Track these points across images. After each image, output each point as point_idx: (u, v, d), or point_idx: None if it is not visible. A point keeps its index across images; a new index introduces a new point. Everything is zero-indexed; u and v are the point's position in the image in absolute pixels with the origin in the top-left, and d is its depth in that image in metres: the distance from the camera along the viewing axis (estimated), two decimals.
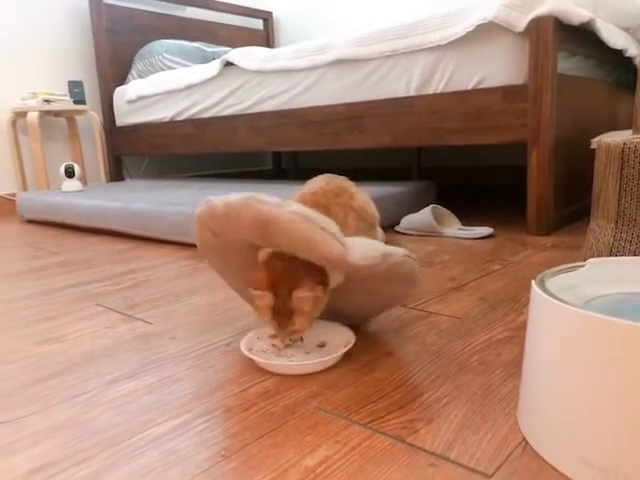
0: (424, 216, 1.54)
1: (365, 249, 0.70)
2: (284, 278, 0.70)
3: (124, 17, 2.81)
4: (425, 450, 0.51)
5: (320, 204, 0.80)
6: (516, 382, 0.64)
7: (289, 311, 0.70)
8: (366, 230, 0.85)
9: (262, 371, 0.70)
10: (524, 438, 0.52)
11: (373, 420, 0.57)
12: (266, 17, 3.38)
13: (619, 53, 1.71)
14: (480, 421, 0.56)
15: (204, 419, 0.59)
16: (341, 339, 0.76)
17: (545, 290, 0.51)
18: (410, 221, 1.58)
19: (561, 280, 0.56)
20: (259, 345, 0.76)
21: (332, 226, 0.66)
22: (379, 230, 0.89)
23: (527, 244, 1.38)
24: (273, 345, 0.76)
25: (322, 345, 0.76)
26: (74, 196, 2.02)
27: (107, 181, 2.80)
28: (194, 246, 1.54)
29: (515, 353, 0.72)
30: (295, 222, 0.63)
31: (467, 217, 1.80)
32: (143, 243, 1.65)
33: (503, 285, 1.04)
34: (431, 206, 1.56)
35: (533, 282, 0.53)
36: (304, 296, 0.69)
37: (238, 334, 0.85)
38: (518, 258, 1.25)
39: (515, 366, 0.68)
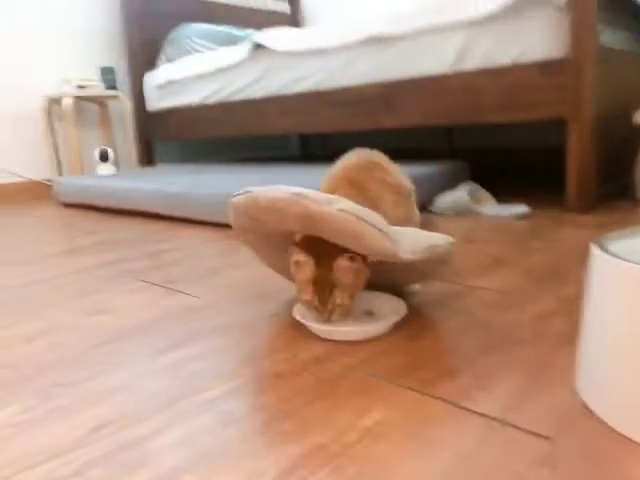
0: (459, 195, 1.52)
1: (413, 242, 0.70)
2: (325, 248, 0.70)
3: (153, 2, 2.82)
4: (481, 414, 0.51)
5: (354, 181, 0.80)
6: (571, 353, 0.63)
7: (330, 284, 0.70)
8: (402, 204, 0.84)
9: (310, 339, 0.71)
10: (585, 404, 0.51)
11: (425, 386, 0.57)
12: (293, 1, 3.35)
13: None
14: (537, 389, 0.55)
15: (256, 384, 0.60)
16: (389, 308, 0.75)
17: (608, 252, 0.49)
18: (445, 200, 1.56)
19: (621, 244, 0.55)
20: (309, 314, 0.75)
21: (380, 222, 0.65)
22: (415, 206, 0.88)
23: (566, 222, 1.35)
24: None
25: (370, 313, 0.76)
26: (109, 180, 2.05)
27: (138, 166, 2.83)
28: (229, 226, 1.55)
29: (567, 325, 0.71)
30: (343, 220, 0.63)
31: (502, 196, 1.77)
32: (178, 224, 1.67)
33: (546, 261, 1.02)
34: (466, 184, 1.54)
35: (592, 245, 0.52)
36: (346, 266, 0.69)
37: (283, 305, 0.85)
38: (559, 235, 1.22)
39: (569, 338, 0.67)
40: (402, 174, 0.86)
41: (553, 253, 1.07)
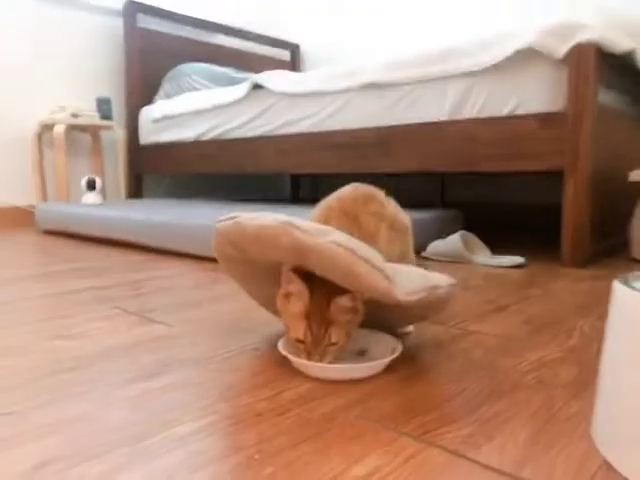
0: (453, 242, 1.49)
1: (411, 282, 0.65)
2: (321, 284, 0.63)
3: (156, 40, 2.86)
4: (492, 468, 0.44)
5: (348, 213, 0.75)
6: (582, 402, 0.57)
7: (325, 321, 0.63)
8: (399, 239, 0.80)
9: (296, 377, 0.64)
10: (605, 460, 0.45)
11: (426, 432, 0.50)
12: (293, 49, 3.44)
13: None
14: (550, 440, 0.49)
15: (232, 421, 0.53)
16: (383, 347, 0.69)
17: (634, 288, 0.45)
18: (438, 247, 1.52)
19: None
20: (296, 350, 0.68)
21: (376, 258, 0.60)
22: (411, 243, 0.84)
23: (563, 275, 1.32)
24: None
25: (362, 353, 0.70)
26: (92, 208, 2.00)
27: (126, 198, 2.78)
28: (215, 260, 1.49)
29: (574, 374, 0.65)
30: (336, 254, 0.58)
31: (495, 248, 1.74)
32: (161, 255, 1.61)
33: (546, 309, 0.98)
34: (460, 232, 1.51)
35: (616, 281, 0.48)
36: (345, 305, 0.63)
37: (266, 340, 0.78)
38: (557, 286, 1.18)
39: (577, 386, 0.61)
40: (399, 209, 0.82)
41: (551, 302, 1.03)
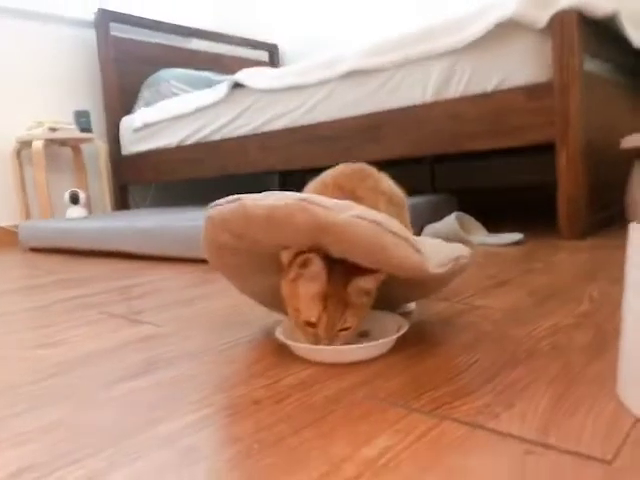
0: (449, 224, 1.45)
1: (437, 254, 0.61)
2: (336, 266, 0.57)
3: (131, 49, 2.82)
4: (514, 436, 0.40)
5: (344, 188, 0.70)
6: (603, 364, 0.53)
7: (342, 304, 0.58)
8: (397, 214, 0.76)
9: (295, 364, 0.59)
10: (638, 418, 0.41)
11: (438, 407, 0.46)
12: (271, 49, 3.40)
13: (639, 57, 1.65)
14: (573, 403, 0.45)
15: (228, 412, 0.48)
16: (387, 326, 0.65)
17: None
18: (435, 229, 1.48)
19: None
20: (295, 336, 0.63)
21: (404, 231, 0.55)
22: (409, 218, 0.80)
23: (562, 247, 1.28)
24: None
25: (364, 334, 0.65)
26: (76, 221, 1.94)
27: (112, 210, 2.73)
28: (203, 261, 1.44)
29: (589, 337, 0.61)
30: (363, 229, 0.52)
31: (492, 228, 1.70)
32: (148, 262, 1.56)
33: (550, 280, 0.94)
34: (455, 213, 1.47)
35: (632, 225, 0.44)
36: (364, 287, 0.58)
37: (261, 332, 0.74)
38: (558, 258, 1.15)
39: (595, 349, 0.57)
40: (393, 184, 0.78)
41: (554, 273, 0.99)
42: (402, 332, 0.61)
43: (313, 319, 0.58)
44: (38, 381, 0.61)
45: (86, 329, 0.83)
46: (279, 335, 0.62)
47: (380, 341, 0.59)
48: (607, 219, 1.56)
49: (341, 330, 0.59)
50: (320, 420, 0.45)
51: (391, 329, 0.64)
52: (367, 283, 0.58)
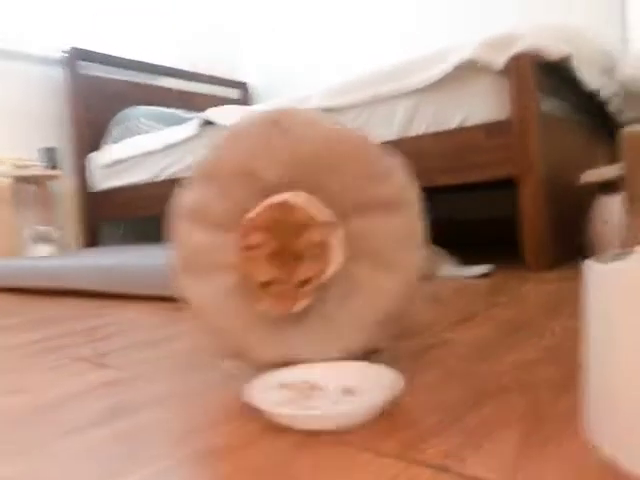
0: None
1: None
2: (287, 221, 0.58)
3: (99, 86, 2.82)
4: (480, 479, 0.40)
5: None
6: (568, 399, 0.53)
7: (292, 256, 0.58)
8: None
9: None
10: (604, 454, 0.41)
11: (406, 449, 0.45)
12: (241, 87, 3.46)
13: (593, 97, 1.74)
14: (541, 442, 0.45)
15: (189, 463, 0.47)
16: (375, 382, 0.57)
17: (605, 264, 0.42)
18: None
19: (615, 264, 0.48)
20: (269, 397, 0.55)
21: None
22: None
23: (529, 279, 1.31)
24: (284, 398, 0.56)
25: (349, 391, 0.57)
26: (38, 259, 1.89)
27: (81, 248, 2.67)
28: (169, 300, 1.41)
29: (552, 372, 0.62)
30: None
31: (461, 260, 1.73)
32: (114, 300, 1.52)
33: (516, 313, 0.95)
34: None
35: (586, 263, 0.45)
36: (314, 239, 0.58)
37: (227, 375, 0.72)
38: (524, 290, 1.17)
39: (560, 384, 0.58)
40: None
41: (520, 306, 1.01)
42: (394, 393, 0.52)
43: (267, 277, 0.58)
44: None
45: (49, 375, 0.80)
46: (246, 396, 0.54)
47: (363, 405, 0.51)
48: (572, 250, 1.60)
49: (303, 284, 0.59)
50: (285, 468, 0.44)
51: (377, 385, 0.56)
52: (316, 235, 0.58)
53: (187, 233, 0.69)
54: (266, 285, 0.59)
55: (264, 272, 0.58)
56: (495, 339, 0.79)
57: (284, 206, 0.59)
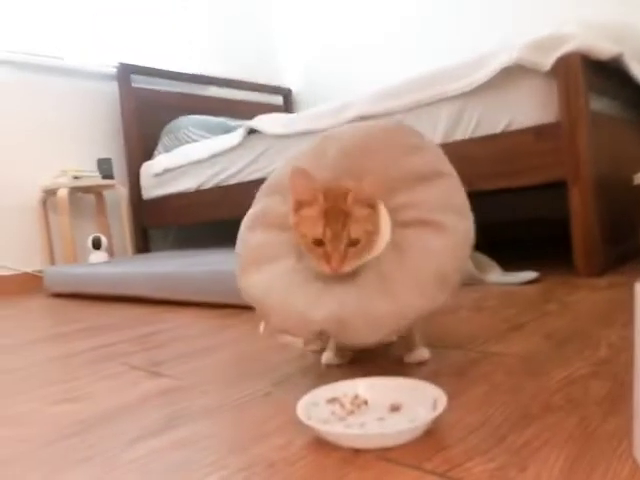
0: None
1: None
2: (336, 188, 0.67)
3: (150, 98, 2.93)
4: None
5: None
6: (620, 418, 0.53)
7: (343, 215, 0.65)
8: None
9: None
10: None
11: (451, 468, 0.46)
12: (285, 93, 3.51)
13: None
14: (588, 465, 0.44)
15: (242, 475, 0.49)
16: (421, 398, 0.57)
17: None
18: None
19: None
20: (317, 412, 0.57)
21: None
22: None
23: (580, 286, 1.27)
24: (332, 413, 0.58)
25: (396, 408, 0.58)
26: (98, 266, 1.99)
27: (134, 254, 2.79)
28: (222, 306, 1.46)
29: (606, 388, 0.61)
30: None
31: (507, 265, 1.70)
32: (169, 307, 1.59)
33: (567, 323, 0.93)
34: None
35: (637, 284, 0.44)
36: (363, 196, 0.66)
37: (277, 384, 0.75)
38: (575, 298, 1.14)
39: (611, 401, 0.57)
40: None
41: (570, 315, 0.99)
42: (438, 412, 0.52)
43: (318, 235, 0.65)
44: (58, 440, 0.62)
45: (107, 383, 0.85)
46: (301, 414, 0.55)
47: (410, 427, 0.51)
48: (624, 255, 1.54)
49: (349, 246, 0.65)
50: None
51: (425, 401, 0.56)
52: (364, 192, 0.66)
53: (252, 235, 0.78)
54: (318, 244, 0.66)
55: (316, 230, 0.65)
56: (545, 352, 0.78)
57: (333, 182, 0.69)
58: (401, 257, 0.68)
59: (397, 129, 0.77)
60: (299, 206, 0.68)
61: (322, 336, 0.67)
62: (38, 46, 2.60)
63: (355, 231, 0.65)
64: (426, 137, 0.78)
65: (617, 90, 1.61)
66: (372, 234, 0.67)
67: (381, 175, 0.71)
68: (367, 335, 0.64)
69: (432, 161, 0.74)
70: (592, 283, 1.29)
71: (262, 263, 0.75)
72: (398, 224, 0.71)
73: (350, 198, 0.66)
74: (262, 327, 0.79)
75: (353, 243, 0.65)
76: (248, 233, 0.80)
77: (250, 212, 0.82)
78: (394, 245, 0.70)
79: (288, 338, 0.71)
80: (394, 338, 0.68)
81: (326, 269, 0.66)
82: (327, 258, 0.65)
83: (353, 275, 0.68)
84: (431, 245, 0.68)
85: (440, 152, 0.77)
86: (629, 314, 0.95)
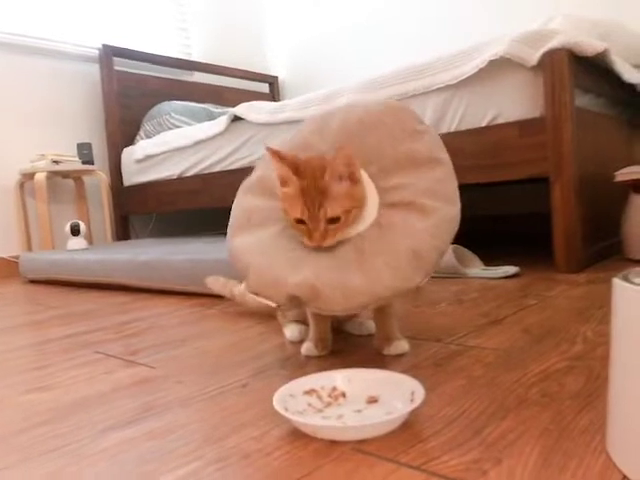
0: (445, 257, 1.46)
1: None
2: (314, 166, 0.68)
3: (134, 82, 2.87)
4: None
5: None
6: (593, 413, 0.53)
7: (319, 194, 0.66)
8: None
9: None
10: (625, 475, 0.41)
11: (427, 461, 0.46)
12: (272, 81, 3.47)
13: (630, 90, 1.68)
14: (562, 459, 0.45)
15: (217, 466, 0.48)
16: (398, 390, 0.57)
17: (636, 284, 0.41)
18: None
19: None
20: (294, 404, 0.56)
21: None
22: None
23: (559, 281, 1.28)
24: (309, 405, 0.58)
25: (373, 400, 0.58)
26: (76, 253, 1.96)
27: (114, 241, 2.75)
28: (201, 295, 1.44)
29: (581, 383, 0.61)
30: None
31: (489, 259, 1.71)
32: (147, 295, 1.56)
33: (545, 317, 0.94)
34: (452, 246, 1.48)
35: (616, 279, 0.44)
36: (339, 170, 0.67)
37: (255, 374, 0.74)
38: (554, 293, 1.15)
39: (586, 397, 0.57)
40: None
41: (549, 310, 0.99)
42: (415, 405, 0.52)
43: (298, 215, 0.67)
44: (29, 429, 0.61)
45: (81, 371, 0.83)
46: (277, 405, 0.54)
47: (388, 418, 0.51)
48: (603, 251, 1.56)
49: (329, 223, 0.67)
50: (308, 476, 0.45)
51: (402, 395, 0.56)
52: (341, 167, 0.67)
53: (245, 199, 0.81)
54: (299, 222, 0.68)
55: (295, 210, 0.68)
56: (522, 346, 0.78)
57: (315, 158, 0.70)
58: (381, 234, 0.70)
59: (402, 111, 0.79)
60: (282, 183, 0.70)
61: (294, 301, 0.67)
62: (17, 26, 2.52)
63: (333, 210, 0.67)
64: (427, 125, 0.80)
65: (602, 87, 1.62)
66: (354, 208, 0.69)
67: (378, 152, 0.74)
68: (338, 304, 0.65)
69: (430, 148, 0.76)
70: (571, 279, 1.30)
71: (252, 226, 0.78)
72: (386, 205, 0.73)
73: (327, 174, 0.67)
74: (244, 286, 0.81)
75: (332, 221, 0.68)
76: (243, 197, 0.82)
77: (249, 178, 0.85)
78: (377, 224, 0.72)
79: (263, 300, 0.71)
80: (367, 312, 0.71)
81: (309, 244, 0.70)
82: (309, 234, 0.68)
83: (333, 248, 0.70)
84: (412, 225, 0.70)
85: (439, 140, 0.78)
86: (606, 310, 0.96)
